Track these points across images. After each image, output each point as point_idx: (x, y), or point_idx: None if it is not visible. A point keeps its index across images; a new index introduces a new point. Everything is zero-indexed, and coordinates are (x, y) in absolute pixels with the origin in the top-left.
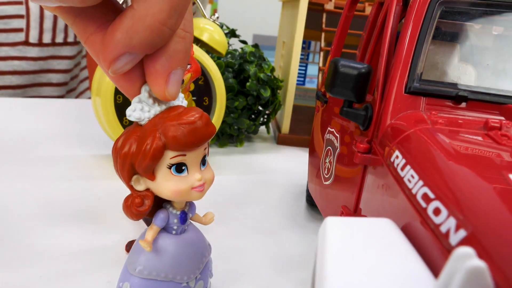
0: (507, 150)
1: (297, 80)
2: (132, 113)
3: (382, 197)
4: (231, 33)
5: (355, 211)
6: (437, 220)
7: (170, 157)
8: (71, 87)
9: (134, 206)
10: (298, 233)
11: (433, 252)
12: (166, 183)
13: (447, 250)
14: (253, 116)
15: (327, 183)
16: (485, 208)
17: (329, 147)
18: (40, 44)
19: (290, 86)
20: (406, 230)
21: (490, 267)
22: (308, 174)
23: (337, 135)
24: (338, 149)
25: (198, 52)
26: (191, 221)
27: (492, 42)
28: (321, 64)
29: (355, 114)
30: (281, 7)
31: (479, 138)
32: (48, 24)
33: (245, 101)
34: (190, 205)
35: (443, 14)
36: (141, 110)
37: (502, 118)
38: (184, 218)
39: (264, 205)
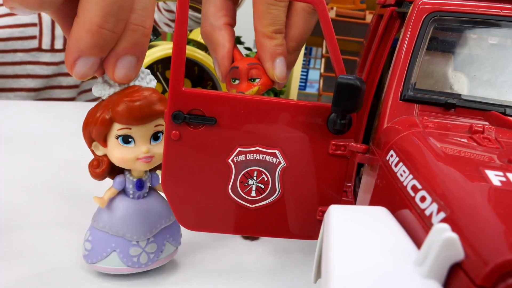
0: (487, 150)
1: (298, 86)
2: (96, 89)
3: (377, 189)
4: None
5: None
6: (422, 205)
7: (117, 128)
8: (83, 89)
9: (92, 167)
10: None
11: (418, 230)
12: (113, 151)
13: (430, 228)
14: None
15: (264, 202)
16: (460, 196)
17: (254, 168)
18: (52, 50)
19: (292, 92)
20: (398, 215)
21: (461, 239)
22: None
23: (275, 151)
24: (284, 164)
25: (188, 50)
26: (157, 191)
27: (479, 55)
28: (322, 70)
29: (342, 123)
30: None
31: (464, 140)
32: (59, 31)
33: None
34: (151, 175)
35: (436, 29)
36: (102, 88)
37: (486, 123)
38: (140, 185)
39: None
